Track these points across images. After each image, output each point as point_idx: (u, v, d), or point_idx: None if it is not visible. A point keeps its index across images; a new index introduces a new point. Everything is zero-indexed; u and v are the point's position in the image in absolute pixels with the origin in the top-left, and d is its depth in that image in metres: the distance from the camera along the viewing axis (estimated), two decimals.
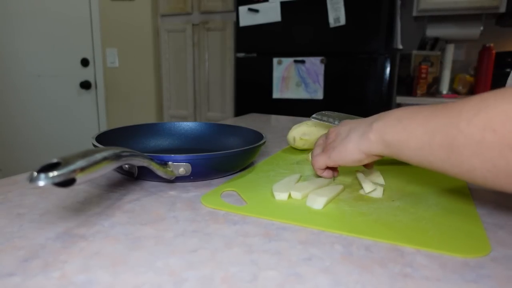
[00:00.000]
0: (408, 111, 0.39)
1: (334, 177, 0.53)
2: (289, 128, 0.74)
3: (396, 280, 0.30)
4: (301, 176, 0.55)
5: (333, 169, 0.51)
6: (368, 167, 0.53)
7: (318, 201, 0.43)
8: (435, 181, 0.54)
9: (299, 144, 0.70)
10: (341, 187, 0.49)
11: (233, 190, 0.49)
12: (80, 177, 0.31)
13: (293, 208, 0.43)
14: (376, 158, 0.44)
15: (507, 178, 0.31)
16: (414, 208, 0.44)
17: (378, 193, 0.47)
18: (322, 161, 0.49)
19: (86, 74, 2.54)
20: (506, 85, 0.55)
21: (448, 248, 0.35)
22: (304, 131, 0.70)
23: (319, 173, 0.51)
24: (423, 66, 2.15)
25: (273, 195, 0.47)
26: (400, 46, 1.94)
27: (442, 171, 0.36)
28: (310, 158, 0.59)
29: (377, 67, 1.78)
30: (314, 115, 0.65)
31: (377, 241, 0.36)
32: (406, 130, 0.37)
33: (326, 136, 0.51)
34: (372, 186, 0.48)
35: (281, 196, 0.46)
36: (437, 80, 2.22)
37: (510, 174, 0.30)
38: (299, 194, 0.46)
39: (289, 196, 0.47)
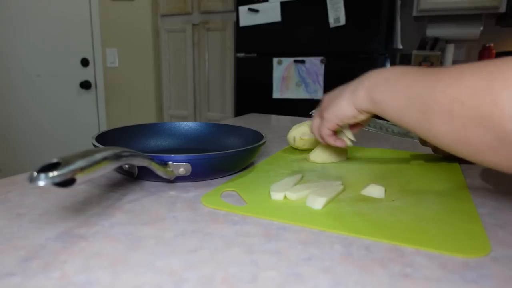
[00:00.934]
0: (396, 71, 0.42)
1: (348, 145, 0.56)
2: (289, 128, 0.73)
3: (396, 280, 0.30)
4: (302, 177, 0.55)
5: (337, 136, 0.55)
6: (360, 126, 0.57)
7: (318, 201, 0.43)
8: (435, 181, 0.54)
9: (299, 144, 0.70)
10: (341, 187, 0.49)
11: (233, 190, 0.49)
12: (80, 177, 0.31)
13: (292, 208, 0.43)
14: (367, 115, 0.47)
15: (467, 149, 0.33)
16: (414, 208, 0.44)
17: (380, 193, 0.47)
18: (317, 123, 0.53)
19: (86, 74, 2.54)
20: None
21: (448, 248, 0.35)
22: (304, 131, 0.70)
23: (329, 141, 0.54)
24: (423, 66, 2.15)
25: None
26: (400, 46, 1.94)
27: (415, 133, 0.39)
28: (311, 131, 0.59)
29: (377, 67, 1.76)
30: (313, 111, 0.64)
31: (377, 241, 0.36)
32: (391, 91, 0.41)
33: (320, 104, 0.54)
34: (351, 135, 0.53)
35: (276, 196, 0.46)
36: None
37: (468, 145, 0.33)
38: (294, 196, 0.46)
39: (285, 196, 0.46)
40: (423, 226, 0.39)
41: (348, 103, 0.47)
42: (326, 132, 0.53)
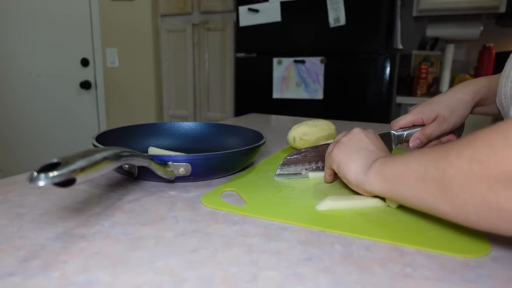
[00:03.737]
0: (404, 154, 0.39)
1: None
2: (289, 128, 0.73)
3: (396, 280, 0.30)
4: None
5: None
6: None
7: (323, 204, 0.44)
8: None
9: (299, 144, 0.70)
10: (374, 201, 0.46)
11: (233, 190, 0.49)
12: (80, 177, 0.31)
13: (293, 208, 0.43)
14: (365, 194, 0.45)
15: (499, 216, 0.29)
16: (408, 209, 0.44)
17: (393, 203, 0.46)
18: (328, 159, 0.50)
19: (86, 74, 2.54)
20: (505, 67, 0.54)
21: (448, 248, 0.35)
22: (304, 131, 0.70)
23: (327, 173, 0.52)
24: (423, 66, 2.15)
25: (273, 195, 0.47)
26: (400, 46, 1.94)
27: (436, 211, 0.34)
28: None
29: (377, 67, 1.78)
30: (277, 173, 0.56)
31: (377, 241, 0.36)
32: (404, 163, 0.38)
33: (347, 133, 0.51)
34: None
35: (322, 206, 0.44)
36: (437, 80, 2.22)
37: (501, 211, 0.28)
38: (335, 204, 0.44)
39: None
40: (422, 226, 0.39)
41: (355, 171, 0.44)
42: (329, 172, 0.52)
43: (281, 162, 0.55)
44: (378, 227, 0.39)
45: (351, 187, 0.46)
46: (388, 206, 0.45)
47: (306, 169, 0.56)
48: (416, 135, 0.59)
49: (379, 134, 0.57)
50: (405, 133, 0.59)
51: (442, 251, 0.34)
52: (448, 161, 0.32)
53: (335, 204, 0.44)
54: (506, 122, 0.29)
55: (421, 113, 0.59)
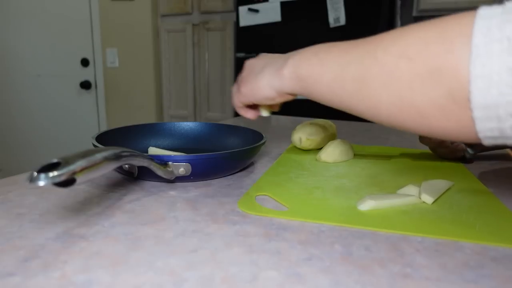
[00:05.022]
0: (327, 45, 0.37)
1: (262, 116, 0.53)
2: (289, 128, 0.74)
3: (396, 280, 0.30)
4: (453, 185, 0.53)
5: (254, 107, 0.51)
6: (274, 108, 0.52)
7: (366, 204, 0.44)
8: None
9: (305, 144, 0.70)
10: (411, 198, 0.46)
11: (265, 195, 0.48)
12: (80, 177, 0.31)
13: (336, 209, 0.43)
14: (288, 98, 0.43)
15: (410, 113, 0.29)
16: (443, 204, 0.45)
17: (415, 192, 0.47)
18: (236, 97, 0.49)
19: (86, 74, 2.54)
20: None
21: (498, 239, 0.36)
22: (310, 131, 0.70)
23: (240, 112, 0.51)
24: None
25: (307, 196, 0.47)
26: None
27: (349, 109, 0.34)
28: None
29: None
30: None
31: (377, 241, 0.36)
32: (322, 63, 0.36)
33: (242, 70, 0.50)
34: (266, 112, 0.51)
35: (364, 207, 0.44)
36: None
37: (413, 109, 0.29)
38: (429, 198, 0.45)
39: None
40: (466, 220, 0.40)
41: (268, 83, 0.42)
42: (238, 104, 0.50)
43: None
44: (422, 224, 0.39)
45: (271, 102, 0.44)
46: (424, 202, 0.46)
47: None
48: None
49: None
50: None
51: (492, 243, 0.35)
52: (374, 57, 0.31)
53: (377, 203, 0.44)
54: (442, 19, 0.28)
55: None
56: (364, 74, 0.31)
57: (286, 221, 0.41)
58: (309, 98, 0.39)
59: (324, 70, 0.35)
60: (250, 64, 0.48)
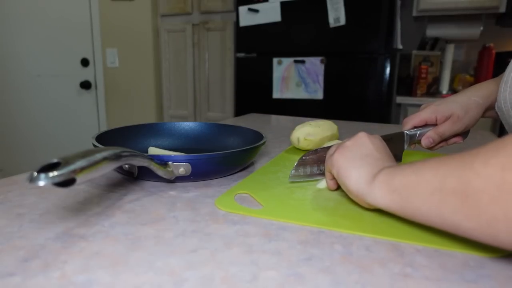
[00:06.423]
0: (418, 161, 0.35)
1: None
2: (290, 128, 0.73)
3: (396, 280, 0.30)
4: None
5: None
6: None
7: (322, 183, 0.48)
8: None
9: (303, 144, 0.70)
10: None
11: (246, 193, 0.49)
12: (80, 177, 0.31)
13: (314, 210, 0.43)
14: (368, 206, 0.41)
15: None
16: None
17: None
18: (329, 161, 0.46)
19: (86, 74, 2.54)
20: (505, 72, 0.55)
21: (469, 247, 0.35)
22: (308, 132, 0.70)
23: (327, 177, 0.49)
24: (423, 66, 2.15)
25: (287, 197, 0.47)
26: (400, 46, 1.94)
27: (457, 228, 0.30)
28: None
29: (377, 67, 1.78)
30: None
31: (377, 241, 0.36)
32: (416, 173, 0.33)
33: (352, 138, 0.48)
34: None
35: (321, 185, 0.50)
36: (437, 80, 2.22)
37: None
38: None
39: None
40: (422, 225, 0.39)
41: (356, 193, 0.41)
42: (327, 168, 0.48)
43: (296, 162, 0.52)
44: (381, 225, 0.39)
45: (350, 196, 0.43)
46: None
47: (321, 170, 0.53)
48: (429, 133, 0.58)
49: (391, 134, 0.56)
50: (418, 132, 0.59)
51: (463, 250, 0.34)
52: (473, 170, 0.28)
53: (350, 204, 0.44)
54: None
55: (435, 112, 0.58)
56: (466, 187, 0.28)
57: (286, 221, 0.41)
58: (401, 214, 0.36)
59: (419, 181, 0.33)
60: (361, 139, 0.46)
